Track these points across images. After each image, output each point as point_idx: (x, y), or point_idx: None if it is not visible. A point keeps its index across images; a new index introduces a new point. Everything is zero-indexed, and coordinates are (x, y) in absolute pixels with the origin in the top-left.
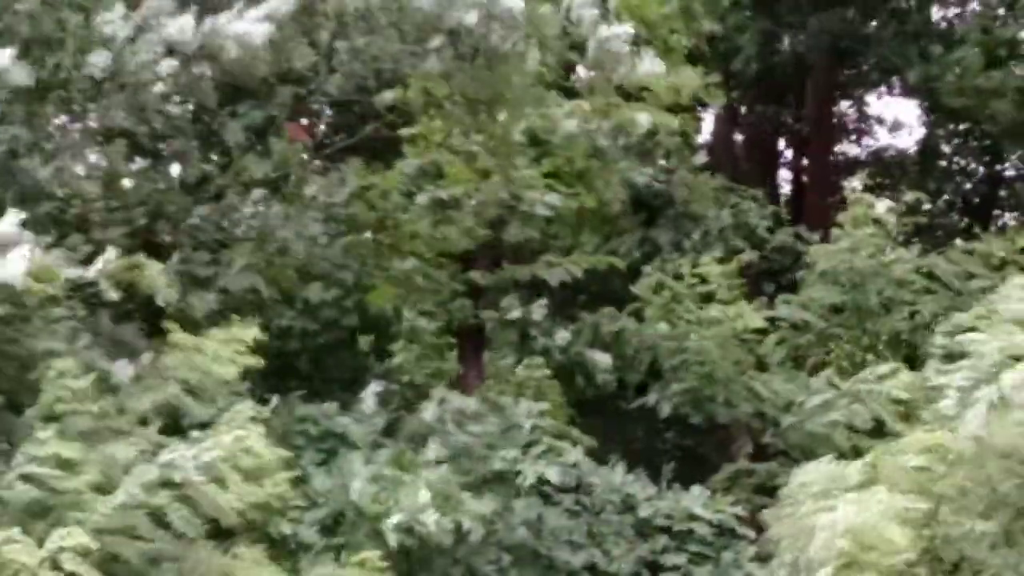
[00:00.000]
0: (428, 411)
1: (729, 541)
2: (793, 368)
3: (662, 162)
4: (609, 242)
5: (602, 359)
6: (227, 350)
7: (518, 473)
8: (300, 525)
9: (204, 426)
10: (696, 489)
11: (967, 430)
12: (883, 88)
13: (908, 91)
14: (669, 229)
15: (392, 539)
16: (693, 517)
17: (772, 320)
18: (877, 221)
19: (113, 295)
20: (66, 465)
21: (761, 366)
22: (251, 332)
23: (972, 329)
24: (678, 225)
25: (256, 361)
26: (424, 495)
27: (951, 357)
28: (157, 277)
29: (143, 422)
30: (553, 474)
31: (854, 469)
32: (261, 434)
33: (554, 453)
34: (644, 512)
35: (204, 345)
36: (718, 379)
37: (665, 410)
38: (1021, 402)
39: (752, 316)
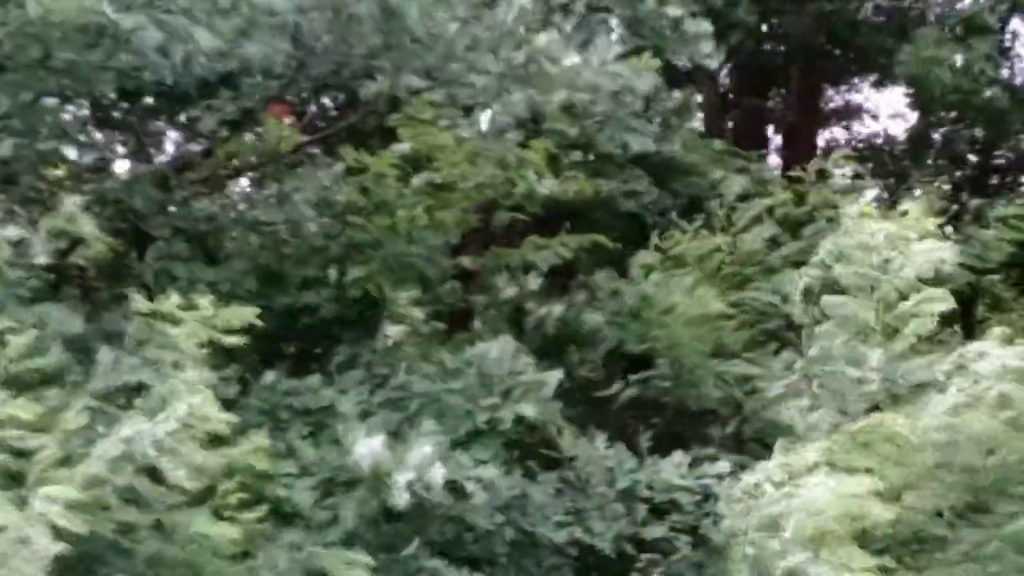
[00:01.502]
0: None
1: (712, 507)
2: (763, 353)
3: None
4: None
5: (596, 319)
6: (204, 329)
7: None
8: (292, 490)
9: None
10: (677, 455)
11: (935, 413)
12: (873, 75)
13: (897, 79)
14: (671, 195)
15: (401, 498)
16: (674, 487)
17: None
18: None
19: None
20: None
21: (731, 351)
22: (244, 312)
23: None
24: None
25: (239, 340)
26: (428, 451)
27: None
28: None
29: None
30: (530, 410)
31: (813, 452)
32: (212, 399)
33: (532, 392)
34: (624, 484)
35: (179, 321)
36: (687, 364)
37: (624, 395)
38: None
39: (715, 300)
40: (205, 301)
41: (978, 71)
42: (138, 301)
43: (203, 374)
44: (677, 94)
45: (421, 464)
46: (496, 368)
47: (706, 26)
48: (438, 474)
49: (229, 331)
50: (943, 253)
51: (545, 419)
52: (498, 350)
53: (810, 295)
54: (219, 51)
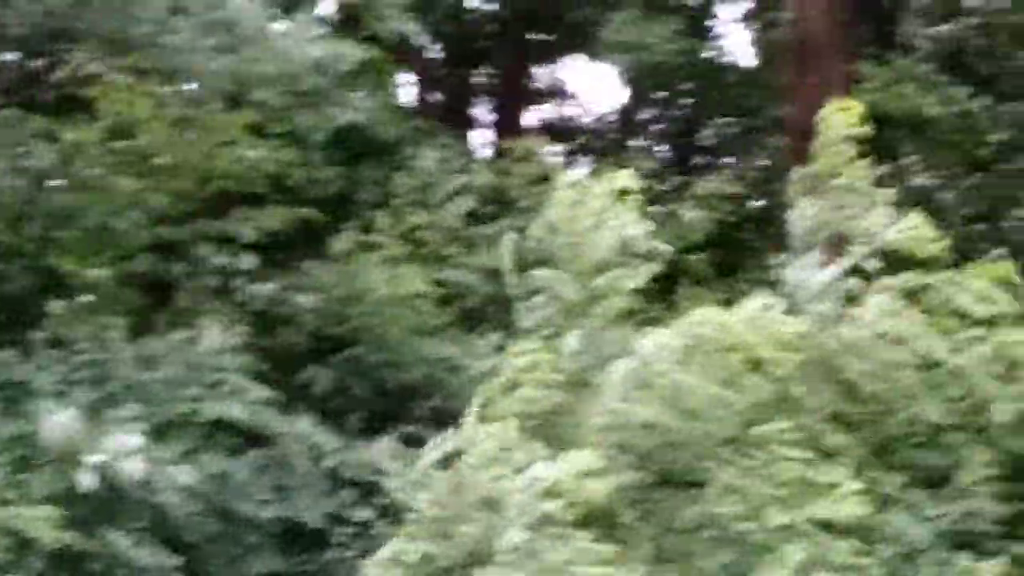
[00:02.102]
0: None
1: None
2: (462, 332)
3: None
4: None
5: (307, 300)
6: None
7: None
8: None
9: None
10: (384, 440)
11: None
12: (581, 52)
13: (604, 56)
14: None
15: (90, 479)
16: (380, 470)
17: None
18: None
19: None
20: None
21: (433, 330)
22: None
23: None
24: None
25: None
26: (127, 440)
27: None
28: None
29: None
30: (236, 412)
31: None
32: None
33: (239, 393)
34: (331, 462)
35: None
36: (389, 344)
37: (324, 381)
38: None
39: (414, 279)
40: None
41: (679, 49)
42: None
43: None
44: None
45: (118, 451)
46: (205, 358)
47: None
48: (136, 466)
49: None
50: (636, 230)
51: (251, 419)
52: (208, 339)
53: (524, 269)
54: None
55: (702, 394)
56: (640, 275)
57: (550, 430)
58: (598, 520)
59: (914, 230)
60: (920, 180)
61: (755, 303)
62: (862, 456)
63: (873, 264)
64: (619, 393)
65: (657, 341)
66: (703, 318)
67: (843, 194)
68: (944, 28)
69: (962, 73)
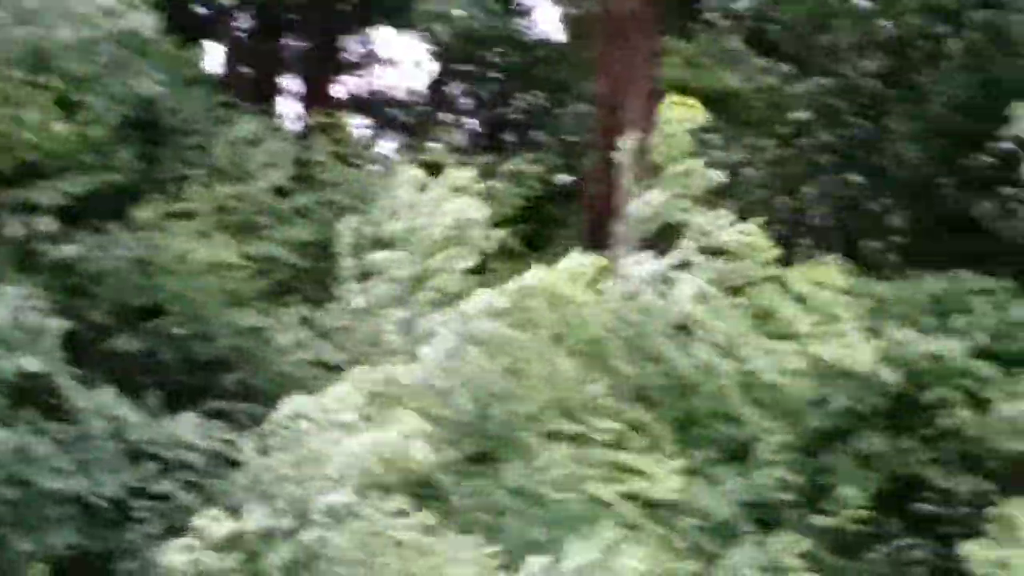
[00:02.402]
0: None
1: (220, 469)
2: (271, 304)
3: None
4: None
5: (111, 262)
6: None
7: None
8: None
9: None
10: (188, 416)
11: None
12: (391, 23)
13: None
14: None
15: None
16: (184, 445)
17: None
18: None
19: None
20: None
21: (240, 301)
22: None
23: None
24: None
25: None
26: None
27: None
28: None
29: None
30: (33, 364)
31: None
32: None
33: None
34: (133, 436)
35: None
36: (197, 315)
37: (130, 350)
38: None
39: (223, 250)
40: None
41: (488, 23)
42: None
43: None
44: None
45: None
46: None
47: None
48: None
49: None
50: (472, 212)
51: (49, 370)
52: (7, 299)
53: (358, 249)
54: None
55: (529, 347)
56: (471, 255)
57: (380, 399)
58: (418, 487)
59: (749, 236)
60: (724, 155)
61: (572, 260)
62: (665, 431)
63: (702, 258)
64: (444, 355)
65: (483, 300)
66: (532, 278)
67: (678, 186)
68: (744, 3)
69: (766, 49)
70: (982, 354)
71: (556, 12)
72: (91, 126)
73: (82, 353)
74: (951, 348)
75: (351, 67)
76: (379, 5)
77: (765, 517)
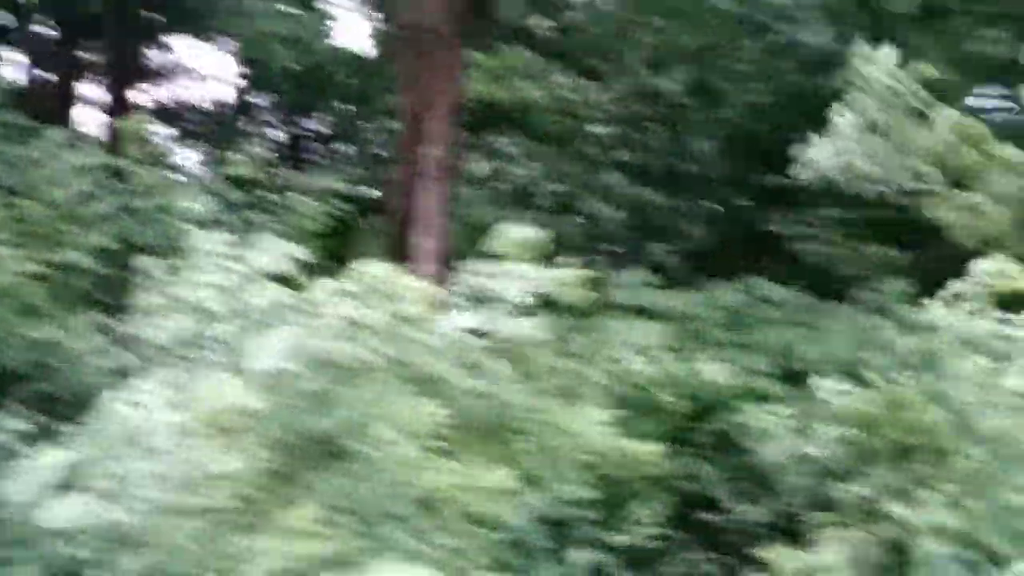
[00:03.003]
0: None
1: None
2: (70, 313)
3: None
4: None
5: None
6: None
7: None
8: None
9: None
10: None
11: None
12: (194, 33)
13: (220, 40)
14: None
15: None
16: None
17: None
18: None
19: None
20: None
21: (38, 312)
22: None
23: None
24: None
25: None
26: None
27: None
28: None
29: None
30: None
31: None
32: None
33: None
34: None
35: None
36: None
37: None
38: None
39: (21, 261)
40: None
41: (293, 35)
42: None
43: None
44: None
45: None
46: None
47: None
48: None
49: None
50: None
51: None
52: None
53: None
54: None
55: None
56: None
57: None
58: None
59: (567, 283)
60: (521, 170)
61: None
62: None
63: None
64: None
65: (327, 286)
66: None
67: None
68: (548, 21)
69: (567, 64)
70: (768, 374)
71: (366, 26)
72: None
73: None
74: (731, 372)
75: (153, 75)
76: (181, 14)
77: (561, 532)
